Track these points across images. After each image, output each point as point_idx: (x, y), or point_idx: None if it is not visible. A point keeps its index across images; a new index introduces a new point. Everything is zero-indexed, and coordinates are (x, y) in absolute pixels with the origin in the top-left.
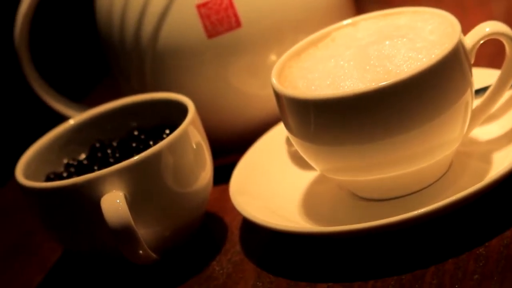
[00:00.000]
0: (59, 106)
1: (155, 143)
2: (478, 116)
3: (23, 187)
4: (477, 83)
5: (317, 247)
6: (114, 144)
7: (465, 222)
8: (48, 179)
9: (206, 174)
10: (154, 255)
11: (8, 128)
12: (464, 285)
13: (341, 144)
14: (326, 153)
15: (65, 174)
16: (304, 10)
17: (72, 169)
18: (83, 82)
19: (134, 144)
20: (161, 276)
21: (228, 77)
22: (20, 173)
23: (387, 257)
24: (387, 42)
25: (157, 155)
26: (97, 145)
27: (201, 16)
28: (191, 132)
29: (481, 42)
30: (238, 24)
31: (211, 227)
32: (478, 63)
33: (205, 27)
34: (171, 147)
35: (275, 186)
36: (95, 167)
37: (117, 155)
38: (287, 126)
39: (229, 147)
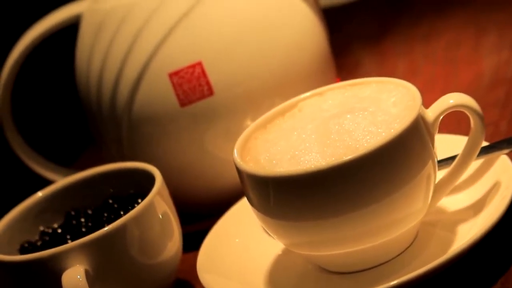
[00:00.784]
0: (46, 172)
1: (125, 213)
2: (444, 188)
3: None
4: (445, 150)
5: None
6: (89, 211)
7: None
8: (22, 248)
9: (173, 244)
10: None
11: None
12: None
13: (300, 220)
14: (286, 228)
15: (39, 243)
16: (279, 77)
17: (47, 238)
18: (72, 148)
19: (105, 214)
20: None
21: (204, 143)
22: None
23: None
24: (348, 116)
25: (121, 229)
26: (72, 213)
27: (174, 84)
28: (157, 203)
29: (445, 113)
30: (210, 92)
31: None
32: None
33: (178, 96)
34: (136, 219)
35: (244, 258)
36: (68, 236)
37: (90, 224)
38: (248, 199)
39: (205, 212)
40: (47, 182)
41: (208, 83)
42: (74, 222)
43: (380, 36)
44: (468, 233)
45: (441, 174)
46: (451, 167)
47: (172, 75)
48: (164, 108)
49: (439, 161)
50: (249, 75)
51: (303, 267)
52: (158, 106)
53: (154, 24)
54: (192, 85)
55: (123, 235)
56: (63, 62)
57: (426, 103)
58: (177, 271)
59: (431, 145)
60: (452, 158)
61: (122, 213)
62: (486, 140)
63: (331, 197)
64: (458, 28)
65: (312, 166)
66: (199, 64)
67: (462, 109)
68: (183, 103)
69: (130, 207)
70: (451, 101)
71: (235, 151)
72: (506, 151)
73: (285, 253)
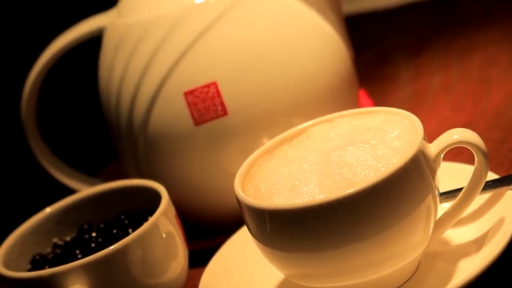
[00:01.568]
0: (69, 180)
1: (133, 231)
2: (447, 222)
3: None
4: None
5: None
6: (102, 225)
7: None
8: (33, 260)
9: (177, 263)
10: None
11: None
12: None
13: (297, 251)
14: (283, 258)
15: (50, 256)
16: (296, 98)
17: (58, 251)
18: (99, 158)
19: (115, 231)
20: None
21: (218, 162)
22: None
23: None
24: (350, 148)
25: (123, 250)
26: (85, 226)
27: (188, 103)
28: (162, 223)
29: (448, 149)
30: (224, 112)
31: None
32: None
33: (192, 114)
34: (139, 240)
35: (247, 282)
36: (77, 251)
37: (100, 239)
38: (248, 228)
39: (216, 228)
40: (70, 191)
41: (222, 103)
42: (86, 236)
43: (421, 47)
44: (468, 267)
45: (445, 206)
46: (454, 202)
47: (187, 94)
48: (178, 126)
49: (442, 193)
50: (264, 96)
51: None
52: (173, 124)
53: (171, 43)
54: (207, 104)
55: (125, 256)
56: (93, 70)
57: (452, 124)
58: None
59: (431, 179)
60: (456, 191)
61: (130, 230)
62: None
63: (326, 230)
64: (495, 44)
65: (308, 200)
66: (214, 84)
67: (466, 146)
68: (197, 122)
69: (139, 225)
70: (455, 136)
71: (236, 178)
72: None
73: (289, 280)
